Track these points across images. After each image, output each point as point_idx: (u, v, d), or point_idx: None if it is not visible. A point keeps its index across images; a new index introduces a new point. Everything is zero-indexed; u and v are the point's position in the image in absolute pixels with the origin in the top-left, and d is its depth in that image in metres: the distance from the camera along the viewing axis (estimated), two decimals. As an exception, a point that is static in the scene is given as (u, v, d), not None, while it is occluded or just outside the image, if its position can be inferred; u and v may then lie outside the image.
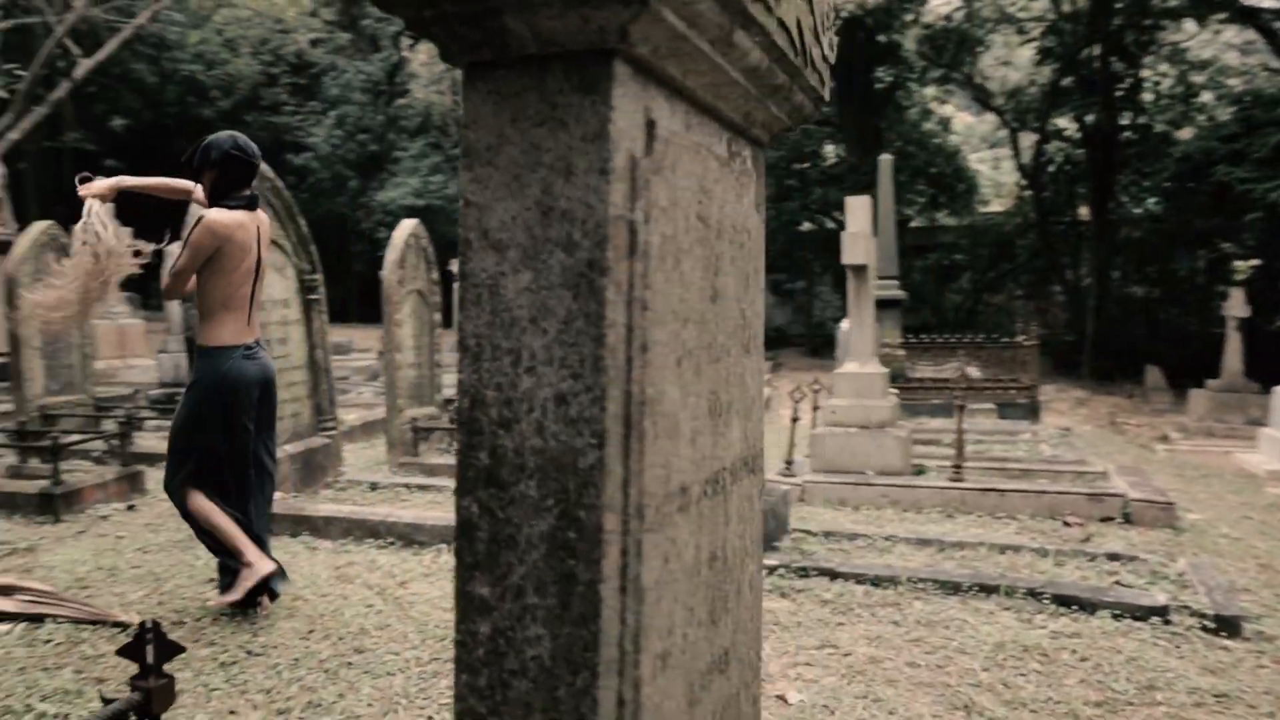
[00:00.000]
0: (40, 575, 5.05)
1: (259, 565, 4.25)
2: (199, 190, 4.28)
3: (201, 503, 4.20)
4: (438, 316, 8.45)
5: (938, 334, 13.88)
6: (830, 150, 24.22)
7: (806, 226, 24.17)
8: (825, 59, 1.50)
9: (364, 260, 29.04)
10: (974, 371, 11.64)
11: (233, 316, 4.13)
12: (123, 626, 4.29)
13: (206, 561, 5.20)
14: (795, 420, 6.61)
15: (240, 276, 4.11)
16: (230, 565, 4.31)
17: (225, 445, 4.19)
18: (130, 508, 6.68)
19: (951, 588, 4.54)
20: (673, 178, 1.08)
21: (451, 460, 7.72)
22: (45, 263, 8.51)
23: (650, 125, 1.04)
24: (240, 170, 4.10)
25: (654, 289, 1.04)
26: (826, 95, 1.53)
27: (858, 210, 6.71)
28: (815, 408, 7.03)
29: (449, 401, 9.41)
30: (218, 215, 4.02)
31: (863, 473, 6.43)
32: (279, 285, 6.60)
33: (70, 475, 6.86)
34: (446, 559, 5.29)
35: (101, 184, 4.22)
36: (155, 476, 6.70)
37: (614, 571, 0.98)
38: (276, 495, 6.16)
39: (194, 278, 4.12)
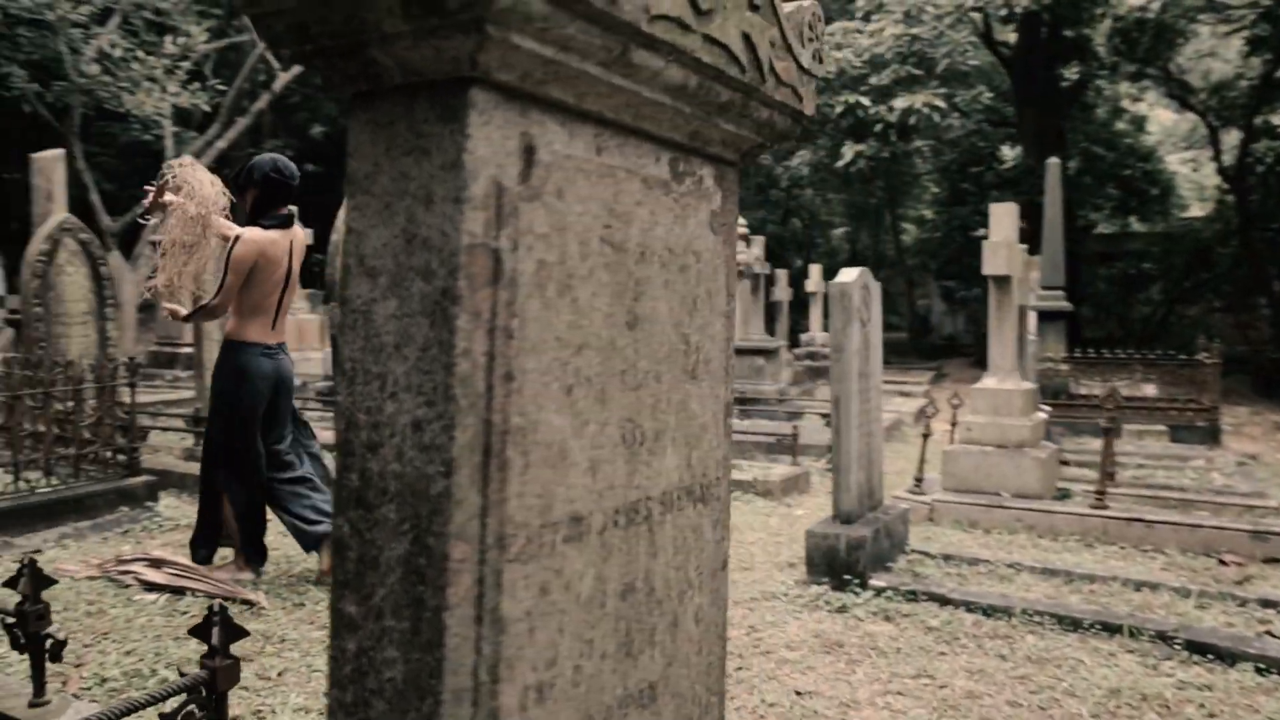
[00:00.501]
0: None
1: (245, 573, 4.89)
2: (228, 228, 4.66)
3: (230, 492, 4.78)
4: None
5: (1122, 348, 12.98)
6: (1009, 153, 23.09)
7: (981, 233, 23.14)
8: (806, 71, 1.44)
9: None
10: (1149, 389, 10.82)
11: (260, 319, 4.54)
12: (251, 604, 4.61)
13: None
14: (926, 436, 6.34)
15: (270, 286, 4.50)
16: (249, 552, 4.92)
17: (241, 432, 4.59)
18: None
19: (1071, 624, 4.24)
20: (559, 203, 1.07)
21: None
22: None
23: (529, 151, 1.03)
24: (278, 190, 4.49)
25: (525, 317, 1.03)
26: (810, 109, 1.46)
27: (1002, 218, 6.37)
28: (953, 424, 6.72)
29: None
30: (252, 233, 4.43)
31: (997, 494, 6.10)
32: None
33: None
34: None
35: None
36: (309, 464, 7.16)
37: (465, 600, 0.98)
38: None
39: None
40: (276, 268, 4.50)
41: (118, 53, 13.07)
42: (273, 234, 4.48)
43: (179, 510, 6.45)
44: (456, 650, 0.97)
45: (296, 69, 19.85)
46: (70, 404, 6.55)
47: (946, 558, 5.17)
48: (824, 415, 9.70)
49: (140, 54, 13.24)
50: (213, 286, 4.87)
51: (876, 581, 4.69)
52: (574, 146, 1.10)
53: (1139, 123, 24.07)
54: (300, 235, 4.71)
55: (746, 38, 1.26)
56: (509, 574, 1.02)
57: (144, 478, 6.46)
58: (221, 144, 19.23)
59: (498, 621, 1.01)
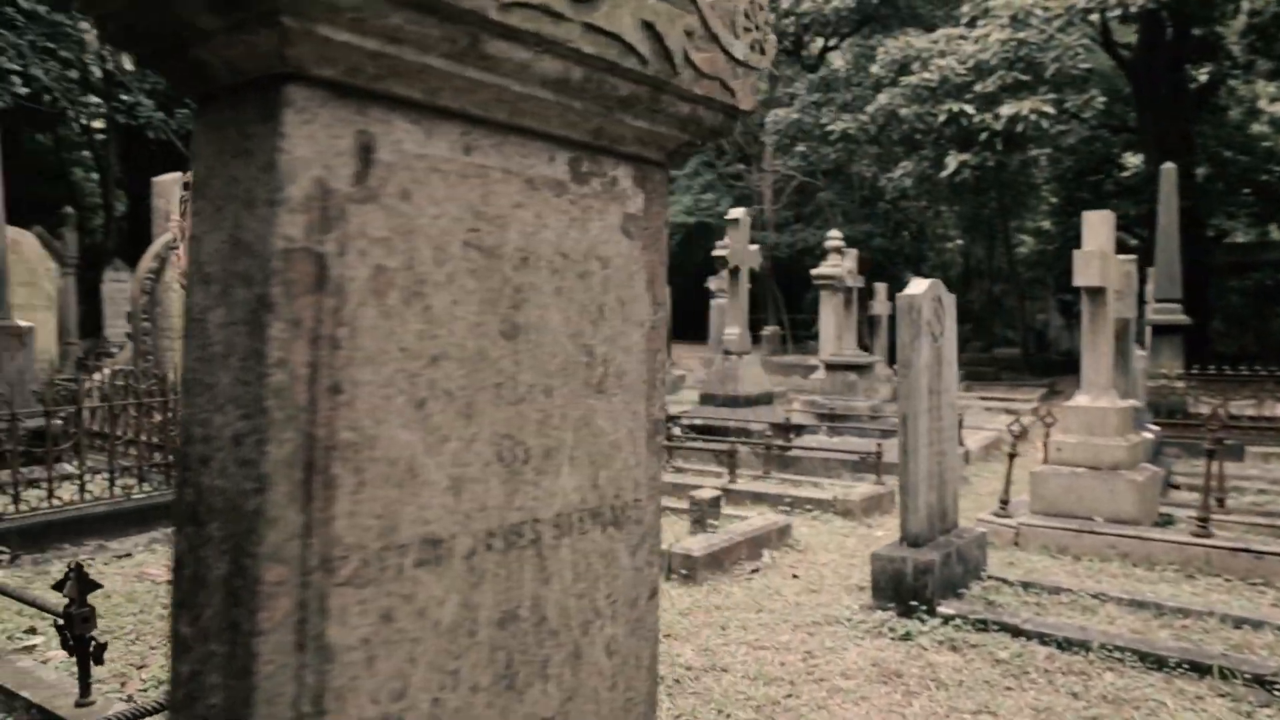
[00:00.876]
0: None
1: None
2: None
3: None
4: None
5: (1259, 364, 12.13)
6: (1131, 160, 21.99)
7: (1101, 242, 22.06)
8: (740, 62, 1.34)
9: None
10: None
11: None
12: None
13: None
14: (1013, 456, 6.02)
15: None
16: None
17: None
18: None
19: (1155, 662, 3.93)
20: (405, 205, 1.01)
21: (670, 476, 7.79)
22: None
23: (365, 151, 0.97)
24: None
25: (357, 326, 0.97)
26: (747, 102, 1.37)
27: (1097, 226, 6.01)
28: (1046, 443, 6.37)
29: (673, 419, 9.51)
30: None
31: (1089, 519, 5.74)
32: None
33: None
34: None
35: None
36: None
37: (283, 625, 0.92)
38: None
39: None
40: None
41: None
42: None
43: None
44: (271, 679, 0.92)
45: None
46: (168, 414, 6.87)
47: (1025, 585, 4.88)
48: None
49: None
50: None
51: (945, 609, 4.46)
52: (432, 146, 1.04)
53: (1279, 124, 22.59)
54: None
55: (649, 26, 1.17)
56: (338, 599, 0.96)
57: (232, 486, 6.69)
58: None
59: (323, 649, 0.95)
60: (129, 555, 5.69)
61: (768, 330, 20.89)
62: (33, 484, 5.92)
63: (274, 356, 0.91)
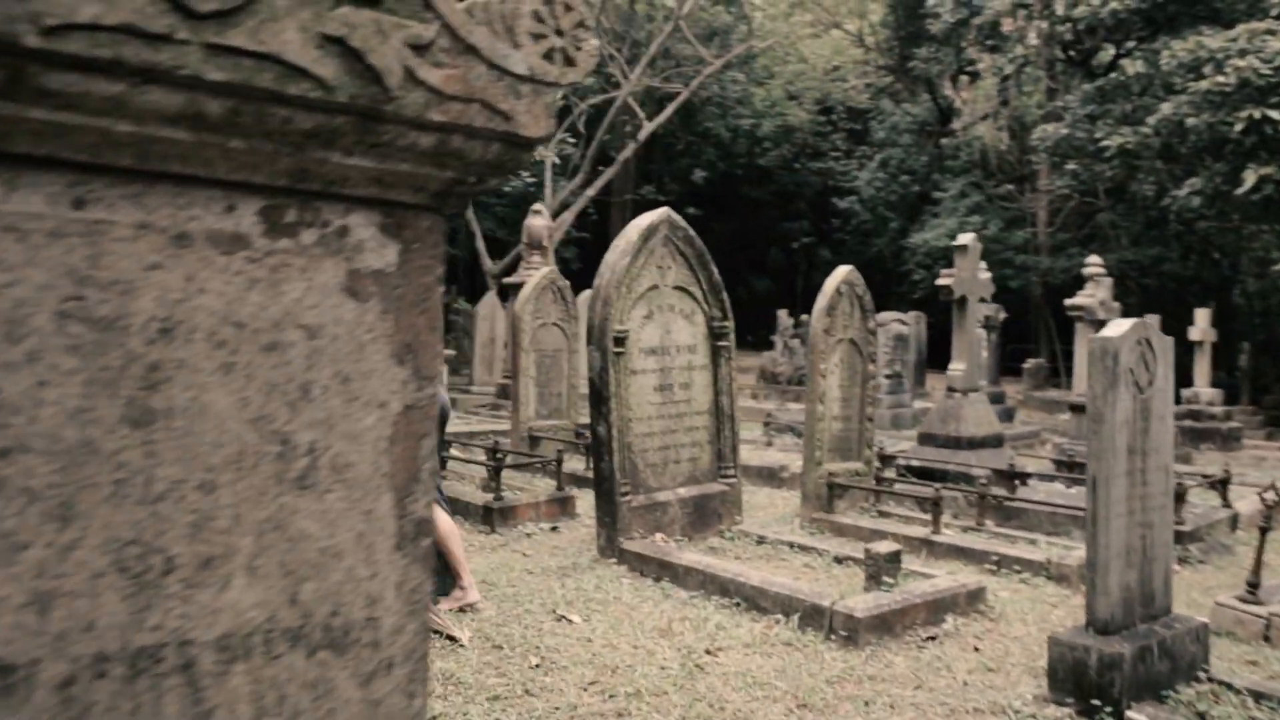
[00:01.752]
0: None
1: (471, 593, 5.18)
2: None
3: (444, 521, 5.12)
4: (871, 367, 8.03)
5: None
6: None
7: None
8: (524, 78, 1.08)
9: (904, 303, 28.96)
10: None
11: None
12: (454, 640, 4.74)
13: (565, 594, 5.53)
14: (1266, 530, 5.01)
15: None
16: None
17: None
18: (554, 529, 7.38)
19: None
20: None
21: (870, 522, 7.27)
22: (545, 304, 9.84)
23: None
24: None
25: None
26: (536, 128, 1.11)
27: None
28: (1320, 516, 5.26)
29: (889, 459, 8.89)
30: None
31: (1365, 616, 4.64)
32: (686, 331, 6.81)
33: (513, 493, 7.80)
34: (780, 631, 4.96)
35: None
36: (587, 501, 7.35)
37: None
38: (656, 537, 6.37)
39: None
40: None
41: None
42: None
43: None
44: None
45: (663, 118, 20.93)
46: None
47: (1258, 696, 4.00)
48: (1212, 484, 8.13)
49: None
50: None
51: (1137, 715, 3.73)
52: (14, 202, 0.88)
53: None
54: None
55: (337, 42, 0.95)
56: None
57: (425, 504, 6.96)
58: (590, 192, 20.73)
59: None
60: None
61: (1030, 364, 19.25)
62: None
63: None
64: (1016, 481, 7.77)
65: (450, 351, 15.34)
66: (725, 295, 7.04)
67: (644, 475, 6.56)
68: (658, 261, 6.66)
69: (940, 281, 8.54)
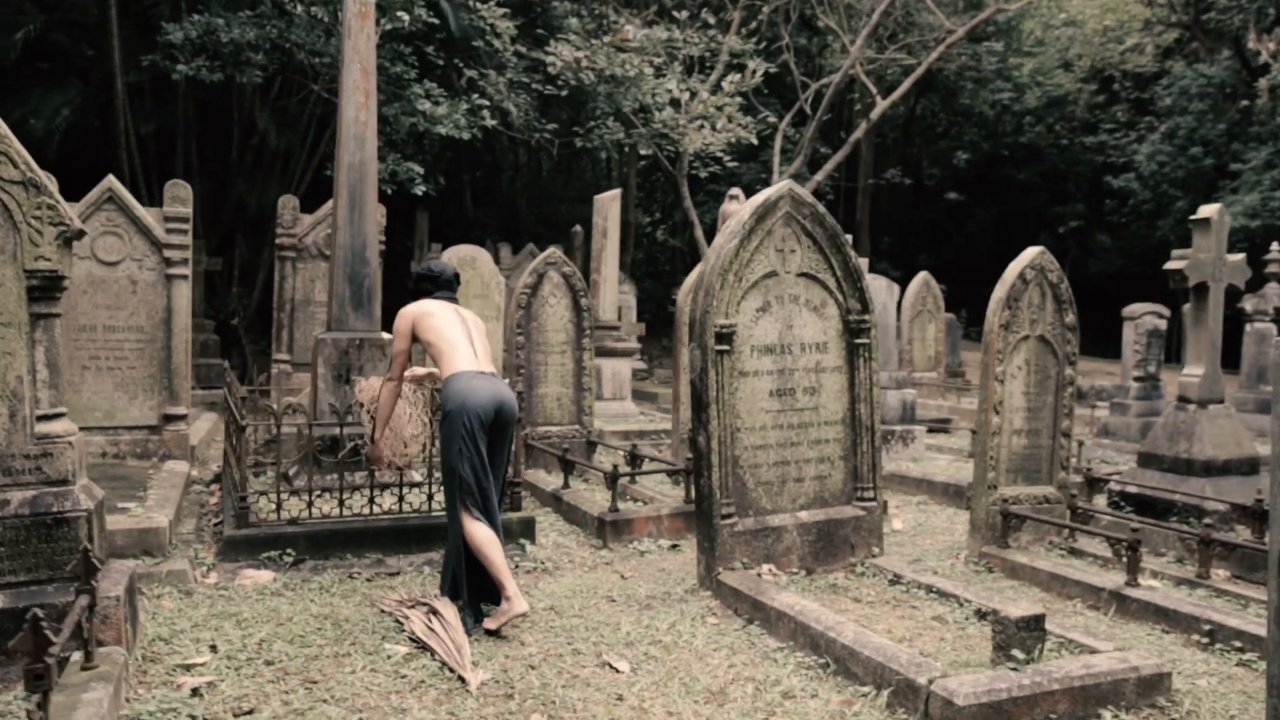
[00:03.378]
0: (534, 598, 5.24)
1: (516, 603, 4.62)
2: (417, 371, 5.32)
3: (478, 532, 4.65)
4: (1070, 371, 6.52)
5: None
6: None
7: None
8: None
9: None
10: None
11: (458, 354, 4.86)
12: (463, 681, 4.08)
13: (630, 632, 4.73)
14: None
15: (451, 330, 4.95)
16: (458, 577, 4.83)
17: (476, 460, 4.66)
18: (674, 547, 6.57)
19: None
20: None
21: (1052, 563, 5.88)
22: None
23: None
24: (427, 284, 5.24)
25: None
26: None
27: None
28: None
29: (1099, 483, 7.29)
30: (408, 306, 5.13)
31: None
32: (814, 326, 5.76)
33: (636, 504, 7.05)
34: (862, 710, 3.89)
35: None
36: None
37: None
38: (762, 570, 5.40)
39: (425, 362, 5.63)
40: (443, 321, 4.99)
41: (686, 95, 13.88)
42: (425, 302, 5.14)
43: (551, 554, 6.24)
44: None
45: (897, 95, 19.27)
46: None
47: None
48: None
49: (704, 93, 13.90)
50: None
51: None
52: None
53: None
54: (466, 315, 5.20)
55: None
56: None
57: (522, 513, 6.38)
58: (819, 176, 19.45)
59: None
60: (397, 574, 5.63)
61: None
62: (327, 490, 6.16)
63: None
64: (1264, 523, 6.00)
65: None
66: (866, 284, 5.89)
67: (754, 495, 5.58)
68: (777, 244, 5.65)
69: (1170, 265, 6.82)
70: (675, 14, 14.75)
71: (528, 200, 24.76)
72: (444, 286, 5.22)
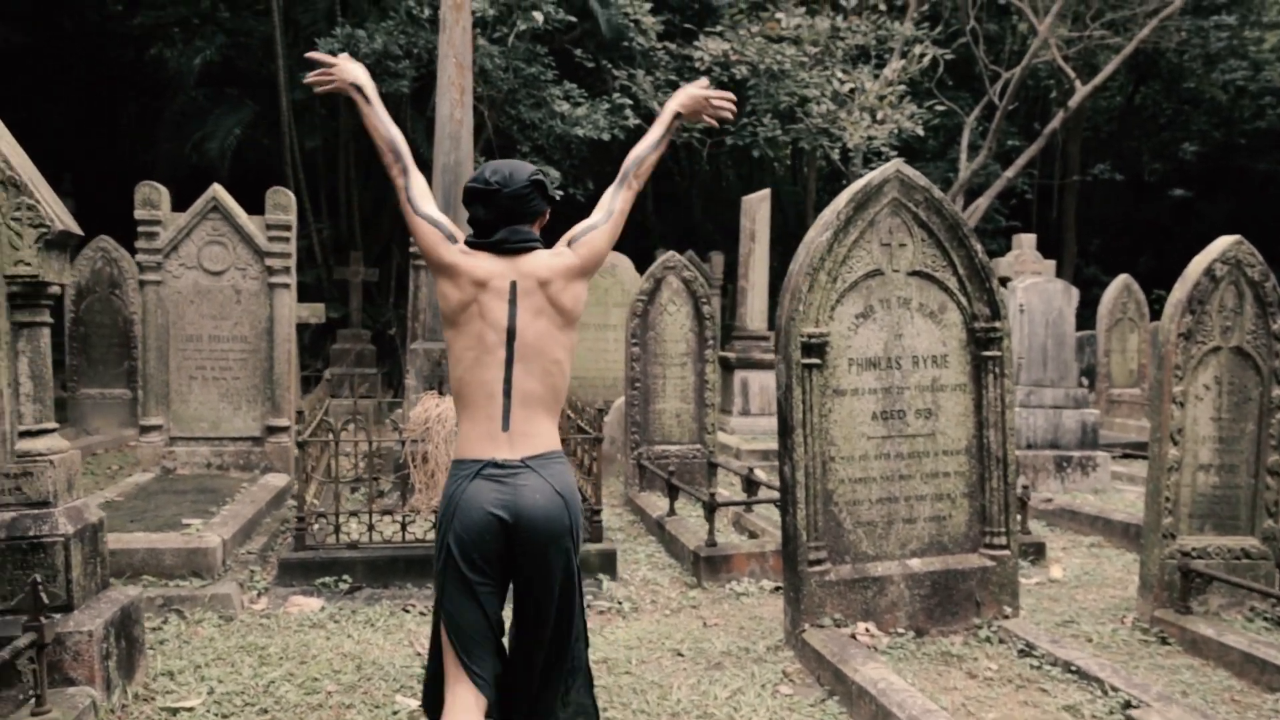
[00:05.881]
0: (593, 647, 4.61)
1: None
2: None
3: (460, 700, 2.68)
4: (1278, 392, 5.18)
5: None
6: None
7: None
8: None
9: None
10: None
11: (472, 411, 2.74)
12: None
13: (682, 701, 3.98)
14: None
15: (473, 344, 2.72)
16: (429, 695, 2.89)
17: (466, 607, 2.68)
18: (777, 589, 5.73)
19: None
20: None
21: (1248, 641, 4.64)
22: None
23: None
24: (476, 201, 2.78)
25: None
26: None
27: None
28: None
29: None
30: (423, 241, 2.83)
31: None
32: (930, 335, 4.79)
33: (741, 537, 6.24)
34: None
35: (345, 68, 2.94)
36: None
37: None
38: (859, 629, 4.52)
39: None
40: (474, 311, 2.72)
41: (846, 88, 12.81)
42: (481, 257, 2.75)
43: (635, 591, 5.56)
44: None
45: (1099, 80, 17.30)
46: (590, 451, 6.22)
47: None
48: None
49: (866, 84, 12.76)
50: None
51: None
52: None
53: None
54: (546, 267, 2.77)
55: None
56: None
57: (603, 545, 5.74)
58: (1010, 172, 17.77)
59: None
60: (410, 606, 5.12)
61: None
62: (387, 513, 5.73)
63: None
64: None
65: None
66: (994, 284, 4.86)
67: (851, 538, 4.68)
68: (882, 237, 4.73)
69: None
70: (841, 1, 13.72)
71: (704, 205, 24.18)
72: (499, 213, 2.77)
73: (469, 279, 2.72)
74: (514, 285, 2.72)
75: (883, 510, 4.74)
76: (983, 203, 17.81)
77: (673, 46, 12.78)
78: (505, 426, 2.70)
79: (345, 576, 5.33)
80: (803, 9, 13.31)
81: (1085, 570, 6.19)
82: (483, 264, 2.73)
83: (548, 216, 2.91)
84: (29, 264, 3.66)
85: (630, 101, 12.27)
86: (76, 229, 3.90)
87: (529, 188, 2.77)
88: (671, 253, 8.23)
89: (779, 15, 12.58)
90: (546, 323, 2.75)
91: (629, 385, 7.90)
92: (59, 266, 3.83)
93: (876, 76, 13.42)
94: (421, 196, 2.83)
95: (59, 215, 3.76)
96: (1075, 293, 8.77)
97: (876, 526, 4.73)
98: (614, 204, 2.91)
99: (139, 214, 7.02)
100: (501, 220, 2.76)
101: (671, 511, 6.82)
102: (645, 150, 3.00)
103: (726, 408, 10.94)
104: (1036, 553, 6.32)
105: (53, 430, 3.85)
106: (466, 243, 2.78)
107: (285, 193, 7.35)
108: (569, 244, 2.85)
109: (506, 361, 2.71)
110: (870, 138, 12.42)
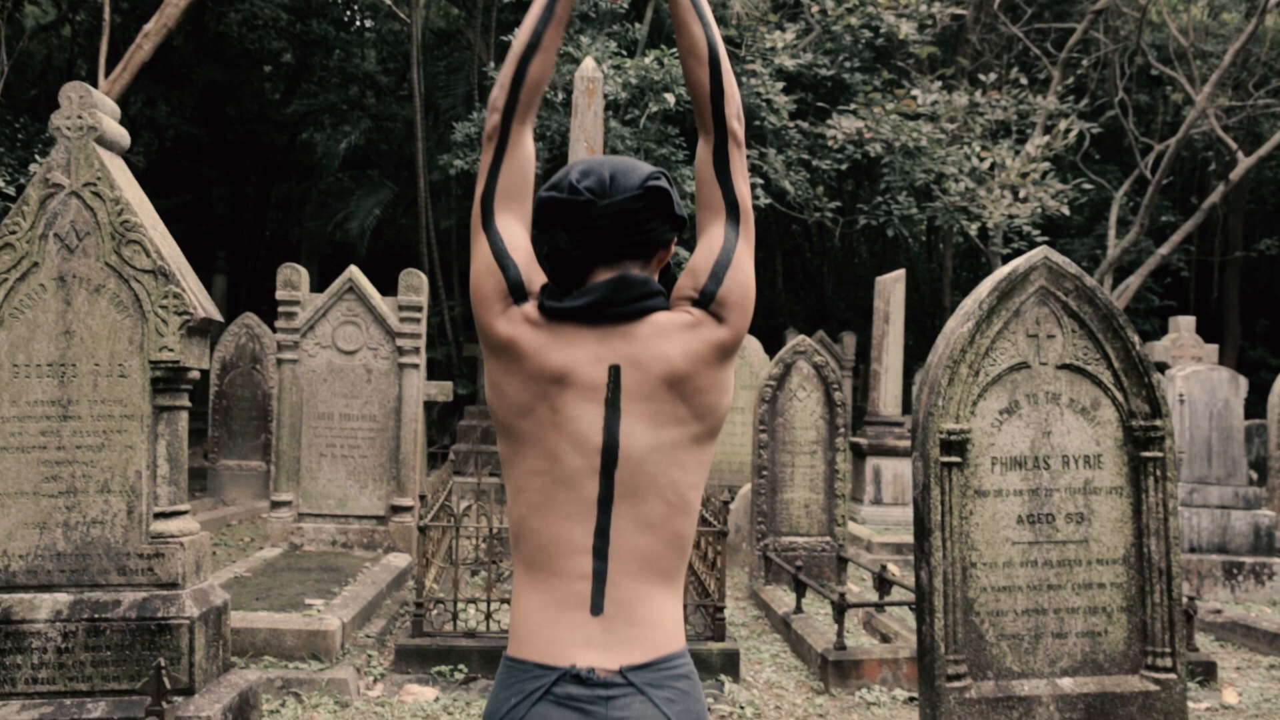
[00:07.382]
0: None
1: None
2: None
3: None
4: None
5: None
6: None
7: None
8: None
9: None
10: None
11: (540, 578, 1.63)
12: None
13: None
14: None
15: (542, 465, 1.62)
16: None
17: None
18: (912, 699, 5.33)
19: None
20: None
21: None
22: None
23: None
24: (558, 229, 1.64)
25: None
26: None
27: None
28: None
29: None
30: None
31: None
32: (1082, 433, 4.43)
33: (874, 642, 5.86)
34: None
35: None
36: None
37: None
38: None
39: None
40: (544, 416, 1.62)
41: (986, 164, 12.40)
42: (566, 326, 1.62)
43: (758, 696, 5.27)
44: None
45: (1265, 151, 16.31)
46: (715, 551, 6.02)
47: None
48: None
49: (1007, 161, 12.33)
50: None
51: None
52: None
53: None
54: (680, 348, 1.62)
55: None
56: None
57: (725, 644, 5.47)
58: (1164, 250, 16.86)
59: None
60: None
61: None
62: (505, 601, 5.62)
63: None
64: None
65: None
66: (1154, 378, 4.46)
67: (994, 651, 4.30)
68: (1029, 327, 4.43)
69: None
70: (980, 76, 13.40)
71: (835, 284, 23.86)
72: (594, 243, 1.63)
73: (537, 368, 1.61)
74: (615, 373, 1.59)
75: (1029, 623, 4.34)
76: (1134, 281, 16.90)
77: (805, 125, 12.72)
78: (597, 609, 1.58)
79: (461, 666, 5.24)
80: (939, 84, 13.06)
81: (1266, 696, 5.53)
82: (563, 342, 1.61)
83: (672, 249, 1.73)
84: (172, 350, 3.79)
85: (761, 180, 12.23)
86: (217, 315, 4.02)
87: (643, 199, 1.62)
88: (802, 336, 8.02)
89: (915, 92, 12.37)
90: (674, 436, 1.62)
91: (756, 473, 7.66)
92: (199, 352, 3.95)
93: (1018, 152, 12.98)
94: (512, 195, 1.69)
95: (202, 303, 3.89)
96: (1243, 381, 8.08)
97: (1022, 640, 4.33)
98: (735, 186, 1.70)
99: (280, 294, 7.31)
100: (595, 255, 1.63)
101: (798, 609, 6.49)
102: (697, 33, 1.67)
103: (857, 496, 10.52)
104: (1206, 673, 5.70)
105: (185, 512, 3.93)
106: (542, 304, 1.63)
107: (418, 274, 7.54)
108: (699, 297, 1.65)
109: (601, 501, 1.60)
110: (1011, 216, 11.96)
